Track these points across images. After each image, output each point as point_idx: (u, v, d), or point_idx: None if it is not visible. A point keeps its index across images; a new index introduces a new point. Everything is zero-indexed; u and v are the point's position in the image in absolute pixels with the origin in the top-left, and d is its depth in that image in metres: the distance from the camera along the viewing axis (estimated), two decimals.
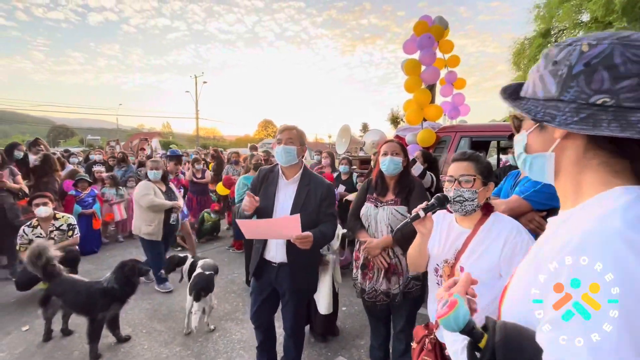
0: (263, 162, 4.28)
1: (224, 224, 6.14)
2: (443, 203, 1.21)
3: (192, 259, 3.17)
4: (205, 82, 31.09)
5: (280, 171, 1.97)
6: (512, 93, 0.62)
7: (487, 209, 1.27)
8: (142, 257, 3.61)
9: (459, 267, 1.19)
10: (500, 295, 0.65)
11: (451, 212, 1.33)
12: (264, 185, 1.97)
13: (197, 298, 2.72)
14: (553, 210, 1.68)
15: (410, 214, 1.20)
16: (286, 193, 1.94)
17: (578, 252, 0.45)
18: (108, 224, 5.69)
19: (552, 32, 16.00)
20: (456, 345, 0.63)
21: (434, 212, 1.21)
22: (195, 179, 5.79)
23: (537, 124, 0.58)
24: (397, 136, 4.41)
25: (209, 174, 5.96)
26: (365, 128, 42.91)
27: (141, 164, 7.30)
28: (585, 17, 13.34)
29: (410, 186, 2.06)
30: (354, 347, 2.68)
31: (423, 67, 4.14)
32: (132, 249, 5.27)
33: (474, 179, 1.22)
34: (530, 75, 0.60)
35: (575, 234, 0.48)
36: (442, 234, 1.32)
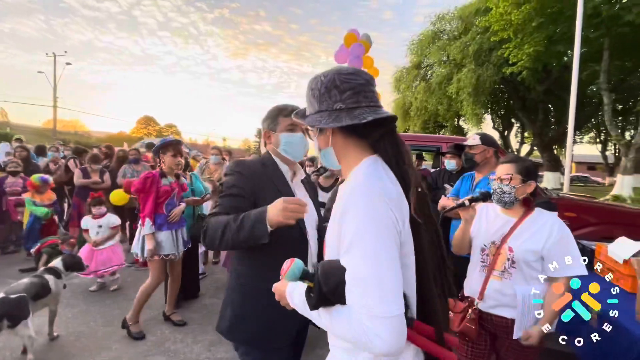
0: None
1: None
2: (485, 198, 1.49)
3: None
4: (68, 64, 26.22)
5: (283, 167, 1.36)
6: (302, 115, 0.91)
7: (528, 203, 1.51)
8: None
9: (507, 247, 1.45)
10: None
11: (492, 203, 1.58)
12: (272, 186, 1.28)
13: None
14: None
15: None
16: (301, 195, 1.37)
17: (347, 198, 0.76)
18: None
19: (423, 66, 19.64)
20: (297, 298, 0.81)
21: (477, 203, 1.51)
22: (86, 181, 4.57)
23: (317, 129, 0.89)
24: None
25: (108, 177, 4.75)
26: (259, 133, 42.39)
27: None
28: (446, 58, 16.85)
29: None
30: None
31: None
32: None
33: (511, 177, 1.47)
34: (306, 101, 0.90)
35: (347, 190, 0.78)
36: (489, 221, 1.57)
